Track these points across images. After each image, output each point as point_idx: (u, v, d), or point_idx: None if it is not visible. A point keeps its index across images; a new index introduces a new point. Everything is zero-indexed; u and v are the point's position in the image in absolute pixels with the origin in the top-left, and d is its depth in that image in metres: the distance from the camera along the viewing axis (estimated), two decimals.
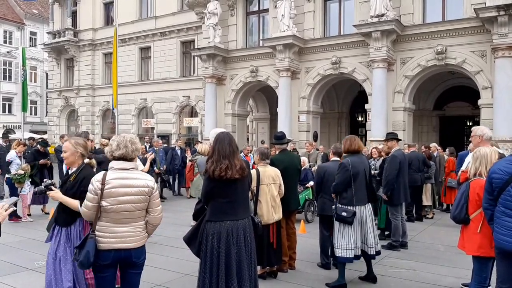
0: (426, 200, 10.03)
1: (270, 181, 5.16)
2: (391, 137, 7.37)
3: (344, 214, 4.94)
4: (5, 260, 6.04)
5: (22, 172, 9.03)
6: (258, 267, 5.21)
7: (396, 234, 6.99)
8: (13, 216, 9.03)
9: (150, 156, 8.82)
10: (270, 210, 5.10)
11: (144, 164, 8.13)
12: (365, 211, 5.08)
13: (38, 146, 10.14)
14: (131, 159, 3.31)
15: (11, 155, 9.43)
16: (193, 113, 24.44)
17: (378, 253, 5.16)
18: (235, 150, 3.65)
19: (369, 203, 5.20)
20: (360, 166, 5.08)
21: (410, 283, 5.31)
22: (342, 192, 5.03)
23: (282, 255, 5.46)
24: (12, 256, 6.30)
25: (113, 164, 3.29)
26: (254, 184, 5.03)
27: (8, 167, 9.45)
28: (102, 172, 3.26)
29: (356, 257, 5.01)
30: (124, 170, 3.26)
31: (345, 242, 4.95)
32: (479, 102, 13.90)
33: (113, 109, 20.92)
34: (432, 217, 10.10)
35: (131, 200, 3.20)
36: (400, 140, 7.93)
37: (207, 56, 18.13)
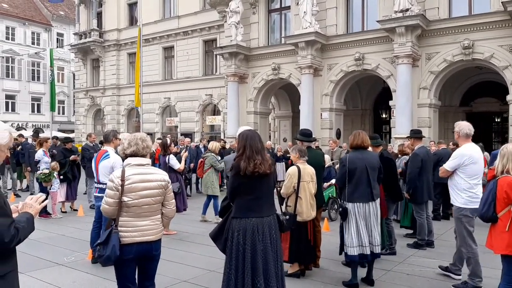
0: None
1: (309, 178, 5.18)
2: (412, 135, 7.32)
3: (340, 209, 5.04)
4: (36, 256, 6.23)
5: (47, 171, 9.27)
6: (291, 264, 5.24)
7: (422, 232, 6.90)
8: (43, 212, 9.31)
9: (184, 154, 9.03)
10: (309, 207, 5.15)
11: (179, 162, 8.31)
12: (369, 209, 4.93)
13: (65, 144, 10.44)
14: (142, 156, 3.45)
15: (39, 154, 9.66)
16: (215, 112, 24.61)
17: (375, 255, 4.97)
18: (264, 146, 3.76)
19: (375, 201, 5.00)
20: (360, 162, 4.93)
21: (437, 282, 5.23)
22: (343, 187, 5.04)
23: (316, 252, 5.53)
24: (43, 251, 6.49)
25: (129, 160, 3.43)
26: (295, 180, 5.06)
27: (37, 166, 9.75)
28: (121, 169, 3.41)
29: (363, 257, 4.90)
30: (140, 166, 3.41)
31: (349, 239, 4.92)
32: (508, 97, 13.53)
33: (137, 108, 21.26)
34: None
35: (151, 194, 3.35)
36: (424, 137, 7.82)
37: (229, 55, 18.21)
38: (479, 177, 5.00)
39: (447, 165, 5.07)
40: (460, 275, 5.29)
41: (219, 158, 9.34)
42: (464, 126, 5.07)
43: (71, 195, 9.96)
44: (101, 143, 10.16)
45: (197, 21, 23.92)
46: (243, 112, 18.81)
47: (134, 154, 3.42)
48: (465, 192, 4.91)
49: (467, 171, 4.91)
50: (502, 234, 3.69)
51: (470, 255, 4.89)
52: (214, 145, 9.16)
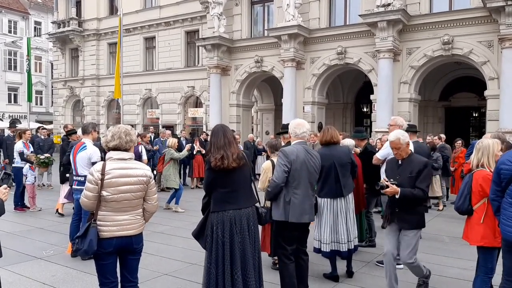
0: (436, 192, 9.98)
1: None
2: (408, 129, 7.36)
3: None
4: (14, 249, 6.11)
5: (43, 156, 9.18)
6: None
7: None
8: (19, 206, 9.12)
9: (155, 148, 9.11)
10: None
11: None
12: (338, 205, 4.97)
13: (69, 137, 9.63)
14: (125, 150, 3.40)
15: (19, 146, 9.30)
16: (197, 104, 24.45)
17: (350, 251, 5.02)
18: (230, 140, 3.72)
19: (345, 197, 5.00)
20: (328, 158, 4.94)
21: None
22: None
23: None
24: (21, 245, 6.37)
25: (111, 154, 3.37)
26: (270, 175, 5.02)
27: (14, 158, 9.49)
28: (101, 162, 3.34)
29: (337, 253, 4.96)
30: (122, 160, 3.35)
31: (319, 235, 4.99)
32: (486, 93, 13.82)
33: (117, 100, 20.95)
34: (442, 209, 10.07)
35: (130, 190, 3.29)
36: (419, 131, 7.97)
37: (211, 46, 18.08)
38: None
39: (379, 154, 5.63)
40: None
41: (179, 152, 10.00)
42: (405, 121, 5.66)
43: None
44: (69, 134, 8.92)
45: (179, 12, 23.62)
46: (225, 104, 18.75)
47: (116, 148, 3.36)
48: None
49: None
50: (477, 226, 3.78)
51: None
52: (172, 141, 9.84)
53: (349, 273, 5.13)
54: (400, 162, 4.35)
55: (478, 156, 3.85)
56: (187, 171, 14.16)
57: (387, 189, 4.14)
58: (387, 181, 4.19)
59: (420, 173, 4.16)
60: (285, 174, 4.06)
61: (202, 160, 13.33)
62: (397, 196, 4.11)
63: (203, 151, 13.21)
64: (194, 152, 12.97)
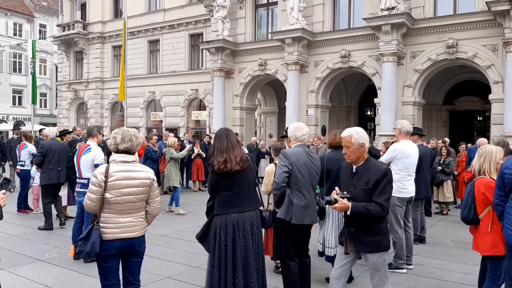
0: (447, 197, 9.94)
1: None
2: (415, 131, 7.30)
3: (317, 208, 4.95)
4: (17, 251, 6.12)
5: None
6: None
7: (414, 228, 6.92)
8: (22, 208, 9.13)
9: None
10: None
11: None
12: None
13: (62, 137, 9.59)
14: (133, 153, 3.43)
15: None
16: (201, 107, 24.48)
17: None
18: (234, 144, 3.73)
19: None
20: (337, 162, 4.78)
21: (418, 278, 5.30)
22: (322, 186, 5.01)
23: None
24: (23, 247, 6.38)
25: (115, 157, 3.38)
26: (272, 178, 5.03)
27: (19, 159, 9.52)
28: (105, 165, 3.37)
29: (334, 257, 4.92)
30: (126, 163, 3.37)
31: (323, 238, 4.98)
32: (490, 96, 13.77)
33: (121, 103, 20.99)
34: (447, 213, 10.03)
35: (133, 192, 3.32)
36: (424, 135, 7.94)
37: (215, 49, 18.11)
38: (410, 170, 5.52)
39: (383, 158, 5.59)
40: (410, 264, 5.63)
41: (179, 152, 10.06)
42: (405, 124, 5.59)
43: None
44: (63, 134, 8.65)
45: (183, 15, 23.70)
46: (229, 107, 18.76)
47: (127, 151, 3.38)
48: (395, 183, 5.13)
49: (399, 164, 5.42)
50: (485, 235, 3.72)
51: (396, 240, 5.44)
52: (172, 140, 9.96)
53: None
54: (354, 170, 3.48)
55: (480, 161, 3.82)
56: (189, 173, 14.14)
57: (336, 205, 3.32)
58: (337, 194, 3.37)
59: (377, 184, 3.30)
60: (285, 174, 4.05)
61: (202, 163, 13.33)
62: (348, 213, 3.32)
63: (203, 155, 13.19)
64: (193, 157, 12.94)
